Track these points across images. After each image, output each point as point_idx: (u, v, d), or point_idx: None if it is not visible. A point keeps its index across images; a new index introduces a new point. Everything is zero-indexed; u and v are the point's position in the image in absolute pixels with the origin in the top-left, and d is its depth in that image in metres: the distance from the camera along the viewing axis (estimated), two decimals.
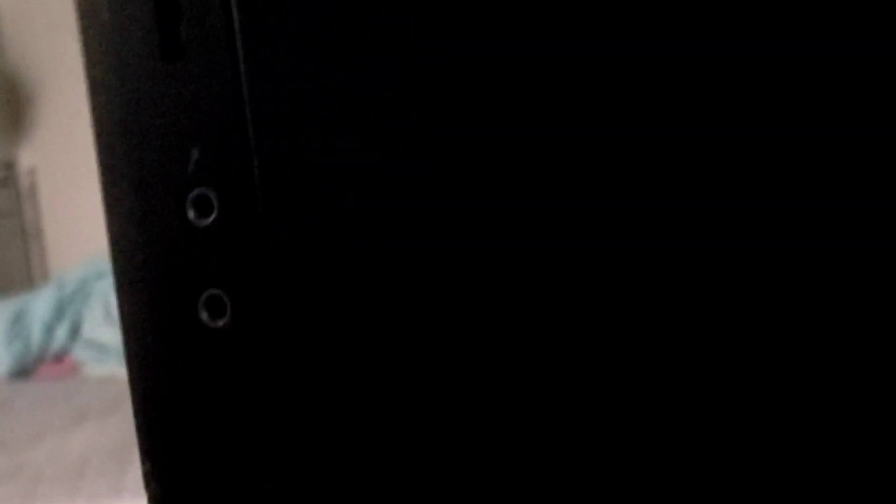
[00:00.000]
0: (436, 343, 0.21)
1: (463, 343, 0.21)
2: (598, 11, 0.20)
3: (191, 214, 0.22)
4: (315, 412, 0.22)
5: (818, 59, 0.20)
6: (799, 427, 0.21)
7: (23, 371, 1.75)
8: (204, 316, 0.22)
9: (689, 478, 0.21)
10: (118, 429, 1.49)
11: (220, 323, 0.22)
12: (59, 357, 1.80)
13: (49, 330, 1.80)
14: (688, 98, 0.20)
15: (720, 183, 0.20)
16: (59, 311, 1.82)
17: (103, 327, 1.79)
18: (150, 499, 0.23)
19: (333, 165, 0.21)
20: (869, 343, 0.20)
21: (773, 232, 0.20)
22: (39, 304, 1.82)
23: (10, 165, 2.15)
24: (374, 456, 0.22)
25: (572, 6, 0.20)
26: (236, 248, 0.21)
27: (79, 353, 1.79)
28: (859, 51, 0.20)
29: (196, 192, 0.21)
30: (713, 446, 0.21)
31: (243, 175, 0.21)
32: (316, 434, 0.22)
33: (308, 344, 0.21)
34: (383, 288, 0.21)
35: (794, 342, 0.20)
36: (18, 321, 1.79)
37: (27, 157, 2.14)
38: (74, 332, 1.82)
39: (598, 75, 0.20)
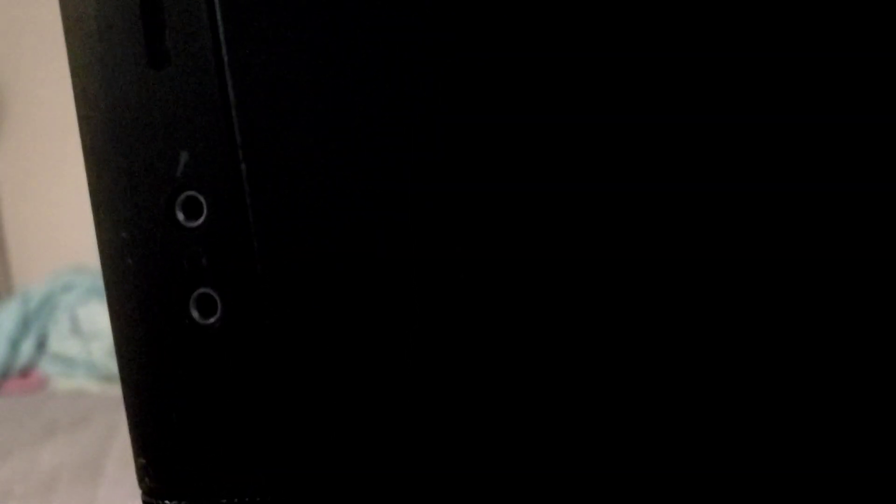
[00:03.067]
0: (427, 341, 0.22)
1: (453, 339, 0.22)
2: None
3: (180, 217, 0.22)
4: (305, 407, 0.23)
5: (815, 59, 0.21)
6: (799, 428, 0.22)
7: None
8: (195, 314, 0.22)
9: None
10: (88, 443, 1.48)
11: (211, 321, 0.22)
12: (26, 372, 1.78)
13: (14, 345, 1.78)
14: (691, 94, 0.21)
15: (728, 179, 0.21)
16: (24, 326, 1.80)
17: (70, 341, 1.77)
18: (144, 493, 0.23)
19: (319, 166, 0.22)
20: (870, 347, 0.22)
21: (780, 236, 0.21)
22: (4, 318, 1.80)
23: None
24: (364, 450, 0.23)
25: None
26: (226, 248, 0.22)
27: (46, 367, 1.78)
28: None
29: (185, 194, 0.22)
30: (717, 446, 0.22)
31: (231, 177, 0.22)
32: (306, 429, 0.23)
33: (298, 340, 0.22)
34: (372, 284, 0.22)
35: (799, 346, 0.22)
36: None
37: None
38: (41, 346, 1.80)
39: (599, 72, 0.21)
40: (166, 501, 0.23)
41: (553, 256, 0.22)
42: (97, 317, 1.76)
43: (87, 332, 1.77)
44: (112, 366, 1.71)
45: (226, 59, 0.22)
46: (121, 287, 0.23)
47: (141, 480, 0.24)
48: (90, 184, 0.24)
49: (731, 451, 0.22)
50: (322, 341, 0.22)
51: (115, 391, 1.70)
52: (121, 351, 0.23)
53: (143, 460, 0.23)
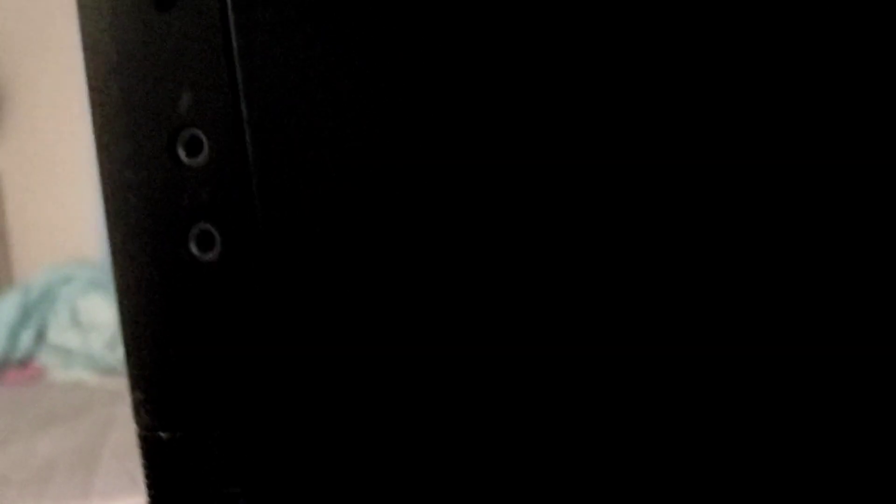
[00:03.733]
0: (423, 282, 0.22)
1: (449, 281, 0.22)
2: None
3: (181, 154, 0.23)
4: (298, 343, 0.23)
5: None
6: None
7: None
8: (194, 250, 0.23)
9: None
10: (85, 433, 1.48)
11: (210, 256, 0.23)
12: (25, 362, 1.78)
13: (14, 335, 1.79)
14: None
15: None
16: (24, 317, 1.81)
17: (69, 332, 1.78)
18: (140, 426, 0.24)
19: (318, 106, 0.22)
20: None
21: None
22: (4, 308, 1.80)
23: None
24: (354, 388, 0.23)
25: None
26: (225, 185, 0.23)
27: (44, 358, 1.78)
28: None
29: (187, 132, 0.23)
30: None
31: (232, 116, 0.23)
32: (301, 365, 0.23)
33: (294, 277, 0.23)
34: (369, 221, 0.23)
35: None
36: None
37: None
38: (40, 337, 1.81)
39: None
40: (161, 433, 0.23)
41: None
42: (97, 309, 1.76)
43: (87, 324, 1.77)
44: (110, 359, 1.71)
45: (229, 1, 0.23)
46: (122, 223, 0.24)
47: (137, 414, 0.24)
48: (94, 124, 0.24)
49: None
50: (317, 279, 0.23)
51: (113, 383, 1.70)
52: (120, 286, 0.24)
53: (139, 394, 0.24)
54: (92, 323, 1.76)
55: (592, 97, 0.22)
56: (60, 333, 1.78)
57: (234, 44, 0.23)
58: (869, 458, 0.23)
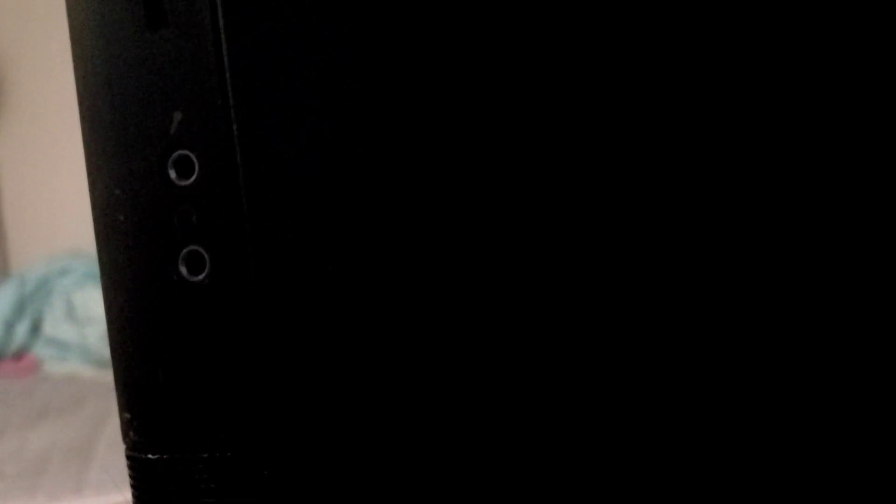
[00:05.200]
0: (419, 301, 0.22)
1: (443, 298, 0.22)
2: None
3: (172, 174, 0.23)
4: (292, 364, 0.23)
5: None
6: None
7: None
8: (183, 271, 0.23)
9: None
10: (79, 426, 1.48)
11: (199, 278, 0.23)
12: (19, 355, 1.78)
13: (9, 327, 1.78)
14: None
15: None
16: (19, 309, 1.80)
17: (65, 325, 1.77)
18: (128, 447, 0.24)
19: (309, 128, 0.22)
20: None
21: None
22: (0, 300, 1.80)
23: None
24: (346, 409, 0.23)
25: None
26: (216, 206, 0.22)
27: (39, 350, 1.78)
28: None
29: (177, 153, 0.23)
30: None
31: (223, 137, 0.22)
32: (290, 386, 0.23)
33: (283, 300, 0.23)
34: (359, 245, 0.22)
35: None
36: None
37: None
38: (35, 329, 1.81)
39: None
40: (149, 455, 0.23)
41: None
42: (93, 302, 1.76)
43: (82, 317, 1.77)
44: (106, 351, 1.71)
45: (221, 21, 0.22)
46: (111, 243, 0.23)
47: (125, 435, 0.24)
48: (85, 142, 0.24)
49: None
50: (307, 301, 0.23)
51: (109, 377, 1.71)
52: (109, 306, 0.24)
53: (127, 415, 0.24)
54: (88, 316, 1.76)
55: (584, 104, 0.22)
56: (56, 326, 1.78)
57: (226, 63, 0.22)
58: (867, 460, 0.23)
